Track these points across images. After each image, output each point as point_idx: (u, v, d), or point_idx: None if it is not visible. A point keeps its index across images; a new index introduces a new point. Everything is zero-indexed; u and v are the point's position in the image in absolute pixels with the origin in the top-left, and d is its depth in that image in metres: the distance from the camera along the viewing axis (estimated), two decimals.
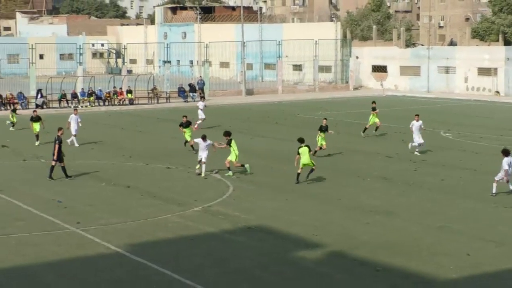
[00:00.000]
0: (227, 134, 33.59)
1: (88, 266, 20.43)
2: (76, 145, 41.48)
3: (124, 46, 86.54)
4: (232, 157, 32.80)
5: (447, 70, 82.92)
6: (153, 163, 36.52)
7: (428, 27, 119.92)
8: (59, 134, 32.68)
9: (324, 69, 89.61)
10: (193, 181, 32.22)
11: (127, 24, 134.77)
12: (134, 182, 32.00)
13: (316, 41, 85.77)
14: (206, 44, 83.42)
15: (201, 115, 50.22)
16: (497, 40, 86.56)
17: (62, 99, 64.97)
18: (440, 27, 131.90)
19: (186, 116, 40.66)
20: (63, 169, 32.23)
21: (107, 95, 68.56)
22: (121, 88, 70.16)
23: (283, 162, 36.72)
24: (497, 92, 77.96)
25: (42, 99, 64.20)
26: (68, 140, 40.67)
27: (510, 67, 77.02)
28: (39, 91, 65.22)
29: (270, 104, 70.22)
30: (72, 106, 60.11)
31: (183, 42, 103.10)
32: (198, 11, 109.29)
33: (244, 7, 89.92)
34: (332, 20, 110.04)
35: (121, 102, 68.45)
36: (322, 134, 38.06)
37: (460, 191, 30.07)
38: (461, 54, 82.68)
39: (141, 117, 58.99)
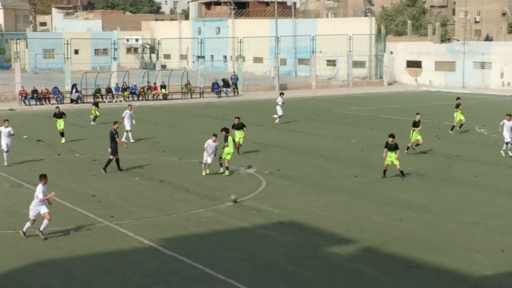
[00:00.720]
0: (225, 130, 33.23)
1: (121, 259, 20.60)
2: (132, 140, 41.51)
3: (158, 41, 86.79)
4: (224, 154, 32.53)
5: (482, 65, 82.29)
6: (186, 158, 36.68)
7: (464, 22, 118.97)
8: (114, 127, 33.42)
9: (358, 64, 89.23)
10: (226, 176, 32.29)
11: (162, 20, 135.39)
12: (167, 177, 32.17)
13: (350, 36, 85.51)
14: (240, 39, 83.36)
15: (279, 111, 50.17)
16: None
17: (97, 94, 65.32)
18: (476, 22, 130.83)
19: (238, 118, 37.80)
20: (117, 161, 32.97)
21: (141, 90, 68.89)
22: (155, 83, 70.49)
23: (316, 157, 36.77)
24: None
25: (77, 94, 64.72)
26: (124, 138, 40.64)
27: None
28: (74, 86, 65.76)
29: (304, 99, 70.13)
30: (127, 102, 60.52)
31: (217, 37, 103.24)
32: (232, 6, 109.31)
33: (278, 2, 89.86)
34: (366, 15, 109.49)
35: (155, 97, 68.73)
36: (416, 129, 37.19)
37: (495, 188, 29.87)
38: (497, 49, 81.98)
39: (175, 112, 59.23)
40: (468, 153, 38.30)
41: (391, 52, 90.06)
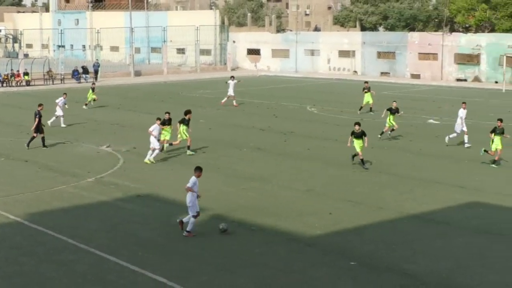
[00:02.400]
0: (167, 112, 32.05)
1: None
2: (63, 125, 39.95)
3: (21, 32, 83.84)
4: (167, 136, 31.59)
5: (312, 52, 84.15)
6: (50, 139, 35.62)
7: (296, 14, 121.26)
8: (39, 109, 33.41)
9: (205, 52, 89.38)
10: (86, 154, 31.66)
11: (23, 12, 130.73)
12: (32, 156, 31.17)
13: (197, 27, 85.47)
14: (97, 30, 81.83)
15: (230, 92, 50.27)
16: (355, 27, 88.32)
17: None
18: (306, 14, 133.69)
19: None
20: (43, 139, 32.97)
21: (5, 77, 66.46)
22: (18, 71, 68.14)
23: None
24: (355, 71, 79.75)
25: None
26: (49, 121, 39.25)
27: (365, 50, 78.88)
28: None
29: (157, 84, 69.59)
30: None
31: (76, 28, 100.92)
32: (89, 0, 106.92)
33: None
34: (211, 8, 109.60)
35: (18, 84, 66.41)
36: (391, 116, 35.47)
37: (324, 159, 30.64)
38: (324, 38, 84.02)
39: (38, 97, 57.25)
40: (301, 129, 39.08)
41: (234, 41, 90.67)
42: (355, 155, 28.77)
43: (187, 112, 32.04)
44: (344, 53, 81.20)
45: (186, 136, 31.62)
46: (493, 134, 28.84)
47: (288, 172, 28.21)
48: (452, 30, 74.56)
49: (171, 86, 67.35)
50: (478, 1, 70.11)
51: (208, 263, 17.41)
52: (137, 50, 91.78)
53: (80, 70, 71.65)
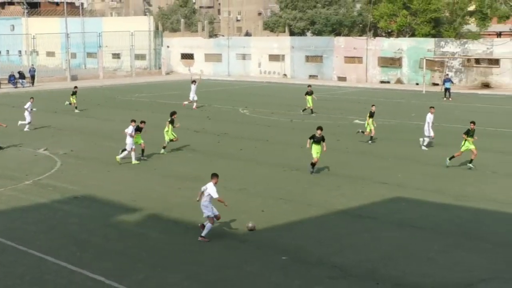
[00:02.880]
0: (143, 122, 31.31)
1: None
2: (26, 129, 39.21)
3: None
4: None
5: (244, 57, 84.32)
6: None
7: (228, 20, 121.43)
8: None
9: (140, 57, 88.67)
10: (24, 158, 31.10)
11: None
12: None
13: (132, 33, 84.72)
14: (33, 36, 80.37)
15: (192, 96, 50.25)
16: (284, 32, 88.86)
17: None
18: (238, 20, 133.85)
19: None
20: None
21: None
22: None
23: (106, 139, 36.25)
24: (285, 75, 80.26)
25: None
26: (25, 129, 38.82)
27: (294, 54, 79.42)
28: None
29: (93, 88, 68.74)
30: None
31: (12, 34, 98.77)
32: (25, 6, 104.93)
33: (67, 2, 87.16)
34: (145, 14, 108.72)
35: None
36: (370, 119, 34.51)
37: (256, 159, 30.77)
38: (255, 43, 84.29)
39: None
40: (234, 131, 39.17)
41: (168, 46, 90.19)
42: (314, 163, 27.18)
43: (173, 113, 32.88)
44: (274, 57, 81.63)
45: (174, 136, 32.22)
46: (466, 136, 28.23)
47: (221, 172, 28.05)
48: (376, 35, 75.74)
49: (107, 90, 66.61)
50: (399, 8, 71.36)
51: (145, 262, 17.32)
52: (73, 55, 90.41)
53: (17, 75, 70.21)
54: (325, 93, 61.28)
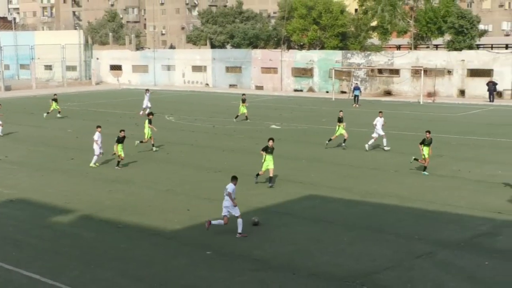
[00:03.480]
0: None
1: None
2: None
3: None
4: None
5: (169, 68, 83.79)
6: None
7: (153, 34, 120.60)
8: None
9: (71, 68, 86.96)
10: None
11: None
12: None
13: (63, 46, 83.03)
14: None
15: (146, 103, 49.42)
16: (206, 45, 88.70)
17: None
18: (162, 34, 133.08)
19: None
20: None
21: None
22: None
23: (39, 145, 35.44)
24: (207, 84, 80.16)
25: None
26: None
27: (215, 65, 79.42)
28: None
29: (26, 97, 67.03)
30: None
31: None
32: None
33: (0, 17, 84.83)
34: (76, 29, 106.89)
35: None
36: (341, 124, 33.59)
37: (181, 162, 30.64)
38: (179, 55, 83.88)
39: None
40: (161, 136, 38.82)
41: (97, 58, 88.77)
42: (259, 174, 25.76)
43: (150, 113, 34.92)
44: (196, 68, 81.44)
45: (150, 134, 33.60)
46: (422, 145, 27.51)
47: (150, 174, 28.02)
48: (289, 47, 76.47)
49: (40, 99, 65.00)
50: (310, 23, 72.33)
51: (78, 260, 17.03)
52: (7, 67, 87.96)
53: None
54: None
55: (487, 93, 58.63)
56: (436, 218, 20.84)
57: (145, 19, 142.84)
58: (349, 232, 19.35)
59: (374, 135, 33.58)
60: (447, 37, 66.64)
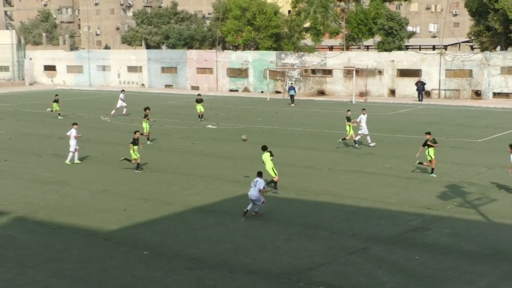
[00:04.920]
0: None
1: None
2: None
3: None
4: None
5: (104, 68, 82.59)
6: None
7: (88, 35, 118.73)
8: None
9: (3, 68, 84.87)
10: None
11: None
12: None
13: None
14: None
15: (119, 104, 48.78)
16: (141, 45, 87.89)
17: None
18: (97, 34, 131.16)
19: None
20: None
21: None
22: None
23: None
24: (143, 84, 79.40)
25: None
26: None
27: (151, 66, 78.69)
28: None
29: None
30: None
31: None
32: None
33: None
34: (8, 29, 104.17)
35: None
36: (350, 123, 33.32)
37: (117, 162, 30.14)
38: (114, 56, 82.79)
39: None
40: (96, 136, 38.27)
41: (30, 59, 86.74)
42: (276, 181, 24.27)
43: (146, 108, 36.88)
44: (132, 69, 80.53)
45: (147, 130, 35.49)
46: (426, 147, 26.69)
47: (85, 175, 27.52)
48: (224, 48, 76.48)
49: None
50: (244, 24, 72.46)
51: (12, 261, 16.58)
52: None
53: None
54: (180, 100, 61.25)
55: (416, 92, 59.95)
56: (368, 214, 21.15)
57: (79, 19, 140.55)
58: (285, 230, 19.43)
59: (361, 131, 33.81)
60: (378, 38, 67.88)
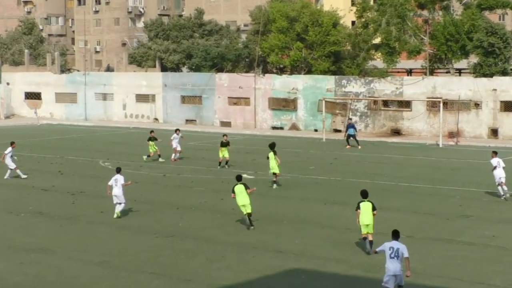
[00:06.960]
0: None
1: None
2: None
3: None
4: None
5: (104, 97, 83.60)
6: None
7: (84, 51, 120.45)
8: None
9: None
10: None
11: None
12: None
13: None
14: None
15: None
16: (154, 66, 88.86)
17: None
18: (97, 52, 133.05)
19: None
20: None
21: None
22: None
23: None
24: (156, 119, 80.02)
25: None
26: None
27: (167, 94, 79.32)
28: None
29: None
30: None
31: None
32: None
33: None
34: None
35: None
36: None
37: (119, 223, 30.17)
38: (118, 80, 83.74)
39: None
40: (92, 188, 38.43)
41: (8, 83, 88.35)
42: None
43: (151, 131, 49.11)
44: (142, 98, 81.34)
45: (155, 148, 48.07)
46: None
47: (77, 240, 27.52)
48: (266, 71, 76.74)
49: None
50: (292, 39, 72.60)
51: None
52: None
53: None
54: (206, 141, 61.44)
55: None
56: None
57: (73, 31, 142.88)
58: None
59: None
60: (474, 59, 67.48)
